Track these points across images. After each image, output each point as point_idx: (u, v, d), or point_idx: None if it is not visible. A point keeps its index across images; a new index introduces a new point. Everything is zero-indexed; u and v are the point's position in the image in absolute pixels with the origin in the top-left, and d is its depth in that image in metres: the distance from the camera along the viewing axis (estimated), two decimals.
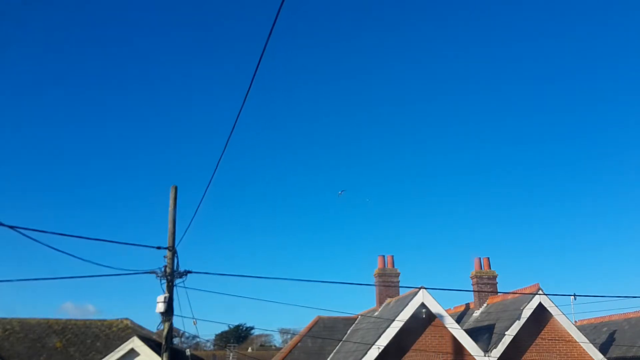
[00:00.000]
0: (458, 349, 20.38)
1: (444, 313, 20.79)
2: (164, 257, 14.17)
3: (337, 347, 24.52)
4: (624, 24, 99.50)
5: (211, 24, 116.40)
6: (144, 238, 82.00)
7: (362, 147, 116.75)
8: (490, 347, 20.50)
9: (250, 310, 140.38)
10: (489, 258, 26.07)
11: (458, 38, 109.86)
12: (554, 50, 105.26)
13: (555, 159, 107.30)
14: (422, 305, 20.52)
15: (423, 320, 20.49)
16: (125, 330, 23.34)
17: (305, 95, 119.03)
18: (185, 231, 14.84)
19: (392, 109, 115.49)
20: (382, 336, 19.90)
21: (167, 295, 13.87)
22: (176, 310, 14.23)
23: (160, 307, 13.74)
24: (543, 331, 21.29)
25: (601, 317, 30.46)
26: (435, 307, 20.60)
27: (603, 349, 25.22)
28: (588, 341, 21.52)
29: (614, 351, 26.02)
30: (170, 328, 14.15)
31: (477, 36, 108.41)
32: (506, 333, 20.51)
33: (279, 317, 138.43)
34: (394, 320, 20.16)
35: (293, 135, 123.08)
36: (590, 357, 20.93)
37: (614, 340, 26.95)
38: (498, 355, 20.18)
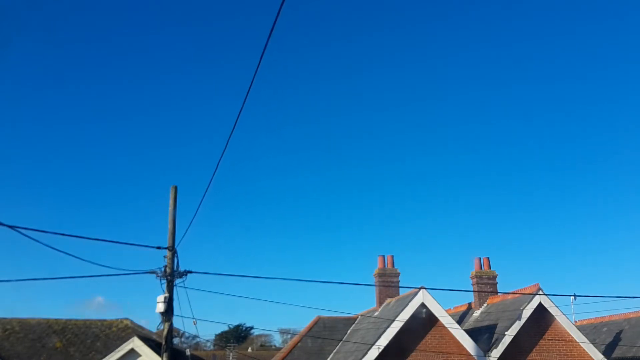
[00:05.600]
0: (458, 349, 20.38)
1: (444, 313, 20.79)
2: (164, 257, 14.16)
3: (337, 347, 24.52)
4: (624, 24, 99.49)
5: (211, 24, 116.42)
6: (144, 238, 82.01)
7: (362, 148, 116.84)
8: (490, 347, 20.50)
9: (250, 310, 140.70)
10: (489, 258, 26.07)
11: (458, 39, 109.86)
12: (555, 53, 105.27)
13: (555, 160, 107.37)
14: (422, 305, 20.51)
15: (423, 320, 20.49)
16: (125, 330, 23.33)
17: (305, 96, 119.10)
18: (186, 231, 14.84)
19: (393, 109, 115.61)
20: (382, 336, 19.89)
21: (167, 295, 13.85)
22: (176, 310, 14.22)
23: (160, 307, 13.72)
24: (543, 331, 21.28)
25: (601, 317, 30.44)
26: (435, 307, 20.60)
27: (603, 349, 25.21)
28: (588, 341, 21.52)
29: (614, 351, 26.01)
30: (170, 328, 14.14)
31: (477, 37, 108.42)
32: (506, 333, 20.51)
33: (279, 317, 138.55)
34: (394, 320, 20.16)
35: (293, 136, 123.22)
36: (590, 357, 20.93)
37: (614, 340, 26.94)
38: (498, 356, 20.17)
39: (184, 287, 14.44)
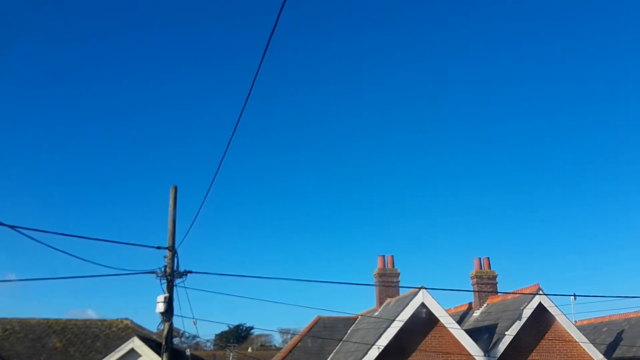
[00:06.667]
0: (458, 349, 20.38)
1: (444, 313, 20.79)
2: (164, 257, 14.17)
3: (337, 347, 24.52)
4: (624, 24, 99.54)
5: (211, 24, 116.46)
6: (144, 238, 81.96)
7: (362, 148, 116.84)
8: (490, 347, 20.50)
9: (250, 310, 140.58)
10: (489, 258, 26.07)
11: (458, 39, 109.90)
12: (555, 53, 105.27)
13: (555, 159, 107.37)
14: (422, 305, 20.52)
15: (423, 320, 20.49)
16: (125, 330, 23.33)
17: (305, 96, 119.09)
18: (187, 232, 14.84)
19: (393, 109, 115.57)
20: (382, 336, 19.89)
21: (167, 295, 13.86)
22: (176, 310, 14.23)
23: (160, 307, 13.73)
24: (543, 331, 21.29)
25: (601, 317, 30.45)
26: (435, 307, 20.60)
27: (603, 349, 25.21)
28: (588, 341, 21.52)
29: (614, 351, 26.02)
30: (170, 328, 14.14)
31: (477, 37, 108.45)
32: (506, 333, 20.52)
33: (279, 317, 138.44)
34: (394, 320, 20.16)
35: (294, 136, 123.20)
36: (590, 357, 20.93)
37: (614, 340, 26.95)
38: (498, 355, 20.18)
39: (184, 287, 14.47)
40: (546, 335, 21.22)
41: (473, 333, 21.76)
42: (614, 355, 25.53)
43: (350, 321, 26.52)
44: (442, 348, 20.42)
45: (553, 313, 21.20)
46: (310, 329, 25.86)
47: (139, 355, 20.37)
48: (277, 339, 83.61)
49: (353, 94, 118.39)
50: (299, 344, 24.90)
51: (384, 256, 26.25)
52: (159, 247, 14.03)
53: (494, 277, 25.72)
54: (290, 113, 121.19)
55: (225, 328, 77.86)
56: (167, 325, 14.00)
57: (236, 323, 79.19)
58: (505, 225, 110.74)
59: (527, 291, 21.85)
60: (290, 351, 24.50)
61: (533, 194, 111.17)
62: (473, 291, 25.54)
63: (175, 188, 14.96)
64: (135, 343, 20.36)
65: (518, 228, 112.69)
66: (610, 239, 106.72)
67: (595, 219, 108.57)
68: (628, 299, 24.84)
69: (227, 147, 12.15)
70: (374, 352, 19.60)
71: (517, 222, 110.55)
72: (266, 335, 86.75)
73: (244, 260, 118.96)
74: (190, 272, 14.30)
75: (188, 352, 23.40)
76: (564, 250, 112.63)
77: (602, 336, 28.01)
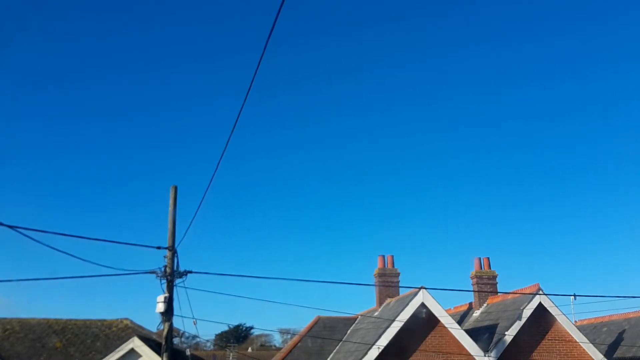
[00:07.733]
0: (458, 349, 20.38)
1: (444, 313, 20.80)
2: (164, 257, 14.18)
3: (337, 347, 24.52)
4: (624, 24, 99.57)
5: (211, 24, 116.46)
6: (144, 238, 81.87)
7: (362, 148, 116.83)
8: (490, 347, 20.51)
9: (250, 310, 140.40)
10: (489, 258, 26.09)
11: (459, 39, 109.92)
12: (555, 53, 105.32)
13: (555, 160, 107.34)
14: (422, 305, 20.52)
15: (423, 320, 20.50)
16: (125, 330, 23.33)
17: (305, 96, 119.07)
18: (186, 232, 14.85)
19: (393, 110, 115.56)
20: (382, 336, 19.90)
21: (167, 295, 13.87)
22: (176, 310, 14.24)
23: (160, 307, 13.74)
24: (543, 331, 21.30)
25: (601, 317, 30.47)
26: (435, 307, 20.60)
27: (603, 349, 25.22)
28: (588, 341, 21.53)
29: (614, 351, 26.03)
30: (170, 328, 14.15)
31: (478, 37, 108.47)
32: (506, 333, 20.52)
33: (279, 317, 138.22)
34: (394, 320, 20.17)
35: (293, 136, 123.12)
36: (590, 357, 20.94)
37: (614, 340, 26.96)
38: (498, 356, 20.19)
39: (184, 287, 14.47)
40: (546, 336, 21.23)
41: (473, 333, 21.76)
42: (614, 356, 25.53)
43: (350, 321, 26.53)
44: (442, 348, 20.43)
45: (553, 313, 21.21)
46: (310, 329, 25.86)
47: (139, 355, 20.38)
48: (277, 339, 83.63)
49: (353, 94, 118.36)
50: (299, 344, 24.90)
51: (384, 256, 26.26)
52: (159, 247, 14.04)
53: (494, 277, 25.73)
54: (290, 113, 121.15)
55: (225, 328, 77.82)
56: (167, 325, 14.01)
57: (236, 323, 79.14)
58: (505, 225, 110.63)
59: (527, 291, 21.85)
60: (290, 351, 24.50)
61: (533, 194, 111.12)
62: (473, 291, 25.55)
63: (175, 188, 14.97)
64: (135, 343, 20.36)
65: (518, 228, 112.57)
66: (610, 239, 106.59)
67: (595, 219, 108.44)
68: (628, 299, 24.84)
69: (226, 146, 12.18)
70: (374, 352, 19.60)
71: (517, 223, 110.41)
72: (266, 335, 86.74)
73: (243, 260, 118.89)
74: (190, 272, 14.31)
75: (188, 352, 23.40)
76: (564, 250, 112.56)
77: (602, 336, 28.02)
